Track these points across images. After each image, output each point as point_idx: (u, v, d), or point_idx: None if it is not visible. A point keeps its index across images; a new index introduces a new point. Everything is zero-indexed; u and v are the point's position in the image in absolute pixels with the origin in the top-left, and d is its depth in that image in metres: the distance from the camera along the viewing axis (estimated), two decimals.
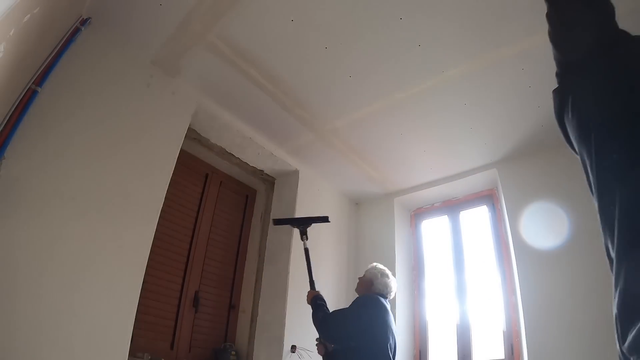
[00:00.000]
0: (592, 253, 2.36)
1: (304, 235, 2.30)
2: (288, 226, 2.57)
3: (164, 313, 2.50)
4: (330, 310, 2.01)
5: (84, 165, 1.88)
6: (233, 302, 2.98)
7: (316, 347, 2.09)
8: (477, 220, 3.33)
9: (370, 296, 2.02)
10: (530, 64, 2.15)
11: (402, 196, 3.54)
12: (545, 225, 2.61)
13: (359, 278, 2.23)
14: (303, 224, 2.34)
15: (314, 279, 2.21)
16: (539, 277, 2.50)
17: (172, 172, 2.27)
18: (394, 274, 3.14)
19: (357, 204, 3.83)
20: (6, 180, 1.58)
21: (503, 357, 2.69)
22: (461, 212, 3.41)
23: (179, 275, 2.66)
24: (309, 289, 2.17)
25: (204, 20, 2.06)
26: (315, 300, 2.06)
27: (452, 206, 3.47)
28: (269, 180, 3.39)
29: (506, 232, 2.86)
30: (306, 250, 2.26)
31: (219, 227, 3.04)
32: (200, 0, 1.96)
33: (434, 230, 3.59)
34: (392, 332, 1.92)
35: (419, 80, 2.35)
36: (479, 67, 2.21)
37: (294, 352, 2.70)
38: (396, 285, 2.19)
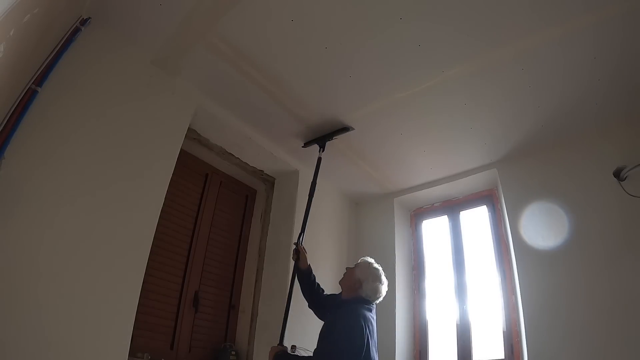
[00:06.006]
0: (592, 253, 2.36)
1: (321, 149, 2.74)
2: (288, 226, 2.64)
3: (164, 313, 2.50)
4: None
5: (83, 165, 1.88)
6: (233, 302, 2.98)
7: (293, 251, 2.22)
8: (477, 220, 3.32)
9: (355, 324, 1.72)
10: (530, 64, 2.15)
11: (402, 196, 3.54)
12: (545, 225, 2.61)
13: (348, 269, 2.01)
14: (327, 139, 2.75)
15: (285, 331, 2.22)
16: (539, 277, 2.50)
17: (172, 172, 2.27)
18: (394, 275, 3.18)
19: (357, 204, 3.83)
20: (6, 180, 1.58)
21: (503, 357, 2.69)
22: (461, 212, 3.41)
23: (179, 275, 2.66)
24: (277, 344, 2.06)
25: (204, 20, 2.06)
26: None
27: (452, 206, 3.47)
28: (269, 180, 3.38)
29: (506, 232, 2.86)
30: (318, 160, 2.70)
31: (219, 227, 3.04)
32: (200, 0, 1.96)
33: (434, 230, 3.58)
34: (376, 345, 1.76)
35: (418, 80, 2.35)
36: (479, 67, 2.21)
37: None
38: (386, 289, 1.96)
